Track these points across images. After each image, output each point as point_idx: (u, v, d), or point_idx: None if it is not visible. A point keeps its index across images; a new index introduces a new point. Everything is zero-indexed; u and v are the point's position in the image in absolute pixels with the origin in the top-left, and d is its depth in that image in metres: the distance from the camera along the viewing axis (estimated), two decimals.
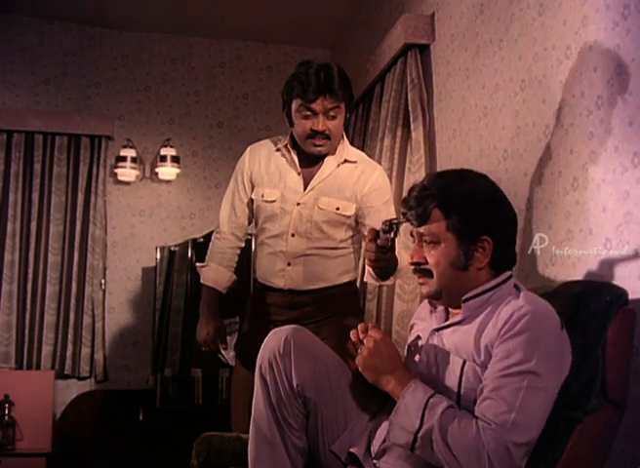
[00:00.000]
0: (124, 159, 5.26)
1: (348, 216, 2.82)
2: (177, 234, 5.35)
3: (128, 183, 5.39)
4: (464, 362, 1.79)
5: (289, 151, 2.86)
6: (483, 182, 1.93)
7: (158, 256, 5.18)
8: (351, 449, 1.96)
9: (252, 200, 2.92)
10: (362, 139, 4.38)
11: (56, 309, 5.06)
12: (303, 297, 2.83)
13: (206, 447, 2.35)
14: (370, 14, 4.76)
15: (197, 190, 5.48)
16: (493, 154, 2.98)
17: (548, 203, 2.55)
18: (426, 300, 2.06)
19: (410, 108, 3.61)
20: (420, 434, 1.71)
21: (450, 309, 1.95)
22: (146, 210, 5.40)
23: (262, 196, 2.86)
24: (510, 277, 1.88)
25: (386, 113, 3.84)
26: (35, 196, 5.13)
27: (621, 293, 1.86)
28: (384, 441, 1.87)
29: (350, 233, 2.88)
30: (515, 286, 1.87)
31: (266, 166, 2.89)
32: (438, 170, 3.49)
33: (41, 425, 4.70)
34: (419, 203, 1.87)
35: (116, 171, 5.30)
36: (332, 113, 2.73)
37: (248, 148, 2.99)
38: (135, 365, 5.21)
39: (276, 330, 2.05)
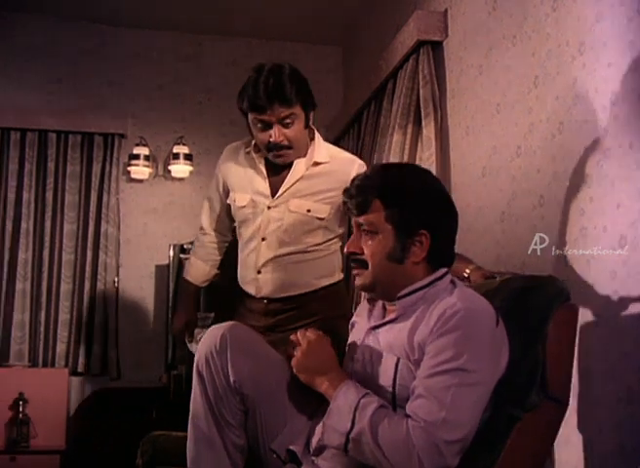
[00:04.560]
0: (137, 157, 5.27)
1: (322, 219, 2.70)
2: (189, 231, 5.33)
3: (141, 181, 5.40)
4: (398, 360, 1.78)
5: (256, 155, 2.76)
6: (426, 178, 1.92)
7: (171, 254, 5.18)
8: (290, 447, 1.95)
9: (229, 204, 2.87)
10: (373, 136, 4.37)
11: (69, 307, 5.07)
12: (277, 305, 2.74)
13: (151, 446, 2.30)
14: (382, 10, 4.75)
15: None
16: (506, 151, 2.97)
17: (562, 200, 2.54)
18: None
19: (422, 105, 3.60)
20: (351, 435, 1.69)
21: (387, 307, 1.93)
22: (159, 207, 5.41)
23: (235, 201, 2.80)
24: (447, 274, 1.87)
25: (397, 109, 3.83)
26: (49, 195, 5.14)
27: (563, 288, 1.84)
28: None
29: (329, 236, 2.76)
30: (452, 282, 1.86)
31: (236, 170, 2.81)
32: (451, 167, 3.48)
33: (55, 422, 4.72)
34: (359, 192, 1.86)
35: (129, 169, 5.31)
36: (287, 121, 2.58)
37: (224, 150, 2.92)
38: (148, 362, 5.22)
39: (214, 326, 2.04)
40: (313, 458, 1.88)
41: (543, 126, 2.69)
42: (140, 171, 5.31)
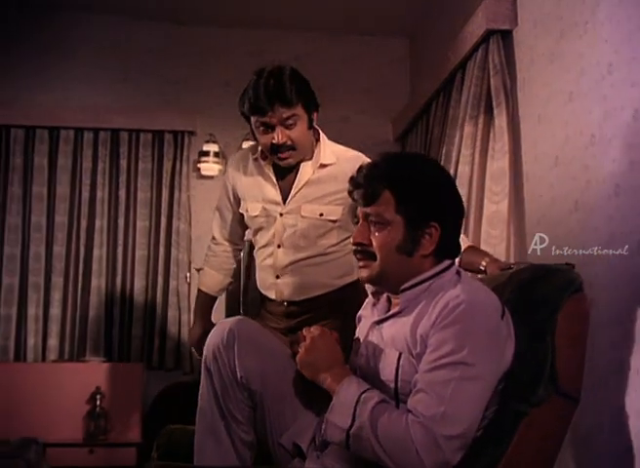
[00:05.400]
0: (207, 154, 5.31)
1: (334, 221, 2.71)
2: None
3: (211, 177, 5.44)
4: (400, 355, 1.76)
5: (263, 162, 2.76)
6: (435, 168, 1.89)
7: None
8: (296, 441, 1.94)
9: (241, 213, 2.88)
10: (442, 128, 4.34)
11: (143, 303, 5.16)
12: (298, 307, 2.76)
13: (167, 440, 2.28)
14: (449, 0, 4.70)
15: None
16: (579, 140, 2.91)
17: (639, 189, 2.47)
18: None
19: (493, 95, 3.56)
20: (351, 431, 1.68)
21: (392, 300, 1.90)
22: None
23: (247, 211, 2.81)
24: (451, 265, 1.83)
25: (467, 100, 3.79)
26: (122, 192, 5.23)
27: (574, 278, 1.78)
28: None
29: (344, 235, 2.74)
30: (458, 273, 1.82)
31: (246, 178, 2.81)
32: (523, 156, 3.43)
33: (131, 416, 4.80)
34: (367, 182, 1.83)
35: (199, 165, 5.37)
36: (289, 121, 2.58)
37: (230, 158, 2.96)
38: None
39: (221, 321, 2.04)
40: (318, 453, 1.87)
41: (618, 113, 2.63)
42: (210, 167, 5.36)
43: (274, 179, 2.74)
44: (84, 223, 5.19)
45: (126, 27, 5.44)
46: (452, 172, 3.75)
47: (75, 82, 5.38)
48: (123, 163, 5.26)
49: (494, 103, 3.55)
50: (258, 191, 2.78)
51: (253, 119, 2.64)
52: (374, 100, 5.61)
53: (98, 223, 5.18)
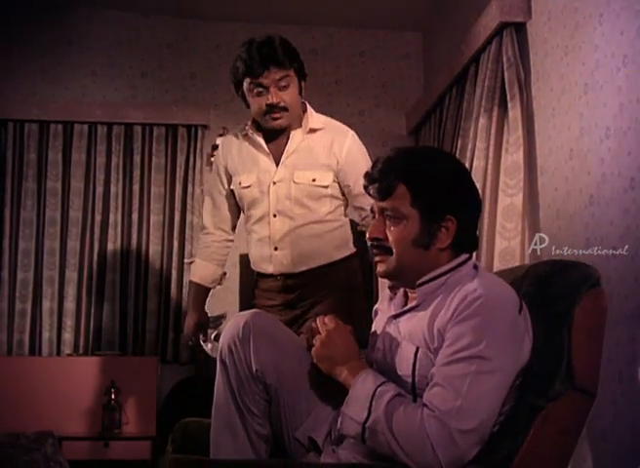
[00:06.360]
0: None
1: (326, 186, 2.77)
2: None
3: None
4: (417, 349, 1.75)
5: (254, 133, 2.84)
6: (450, 161, 1.89)
7: None
8: (311, 435, 1.93)
9: (232, 191, 2.91)
10: (455, 121, 4.33)
11: (157, 297, 5.17)
12: (296, 280, 2.80)
13: (182, 433, 2.27)
14: None
15: None
16: (594, 133, 2.89)
17: None
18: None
19: (507, 88, 3.54)
20: (367, 424, 1.67)
21: (409, 295, 1.89)
22: None
23: (240, 184, 2.85)
24: (468, 259, 1.82)
25: (481, 93, 3.78)
26: (136, 187, 5.24)
27: (591, 273, 1.76)
28: None
29: (337, 203, 2.82)
30: (475, 267, 1.81)
31: (239, 154, 2.88)
32: (537, 149, 3.41)
33: (146, 409, 4.81)
34: (383, 176, 1.81)
35: (213, 159, 5.37)
36: (283, 83, 2.68)
37: (220, 141, 3.04)
38: None
39: (237, 314, 2.03)
40: (333, 448, 1.86)
41: (634, 106, 2.61)
42: None
43: (266, 148, 2.82)
44: (98, 218, 5.20)
45: (140, 22, 5.45)
46: (467, 165, 3.74)
47: (89, 77, 5.39)
48: (137, 157, 5.26)
49: (508, 96, 3.54)
50: (251, 162, 2.84)
51: (246, 82, 2.72)
52: (388, 94, 5.60)
53: (112, 218, 5.20)
